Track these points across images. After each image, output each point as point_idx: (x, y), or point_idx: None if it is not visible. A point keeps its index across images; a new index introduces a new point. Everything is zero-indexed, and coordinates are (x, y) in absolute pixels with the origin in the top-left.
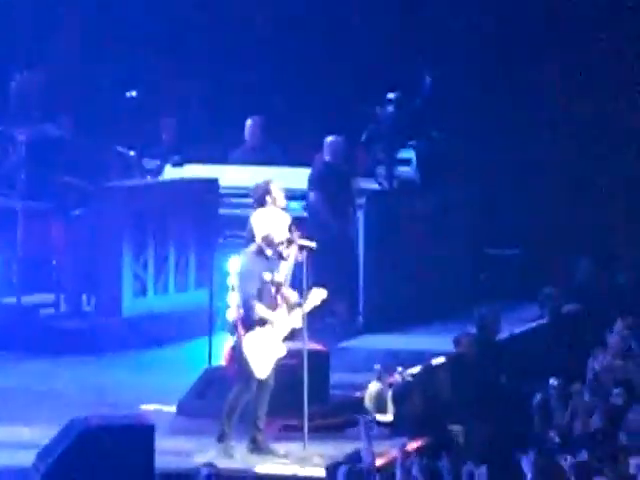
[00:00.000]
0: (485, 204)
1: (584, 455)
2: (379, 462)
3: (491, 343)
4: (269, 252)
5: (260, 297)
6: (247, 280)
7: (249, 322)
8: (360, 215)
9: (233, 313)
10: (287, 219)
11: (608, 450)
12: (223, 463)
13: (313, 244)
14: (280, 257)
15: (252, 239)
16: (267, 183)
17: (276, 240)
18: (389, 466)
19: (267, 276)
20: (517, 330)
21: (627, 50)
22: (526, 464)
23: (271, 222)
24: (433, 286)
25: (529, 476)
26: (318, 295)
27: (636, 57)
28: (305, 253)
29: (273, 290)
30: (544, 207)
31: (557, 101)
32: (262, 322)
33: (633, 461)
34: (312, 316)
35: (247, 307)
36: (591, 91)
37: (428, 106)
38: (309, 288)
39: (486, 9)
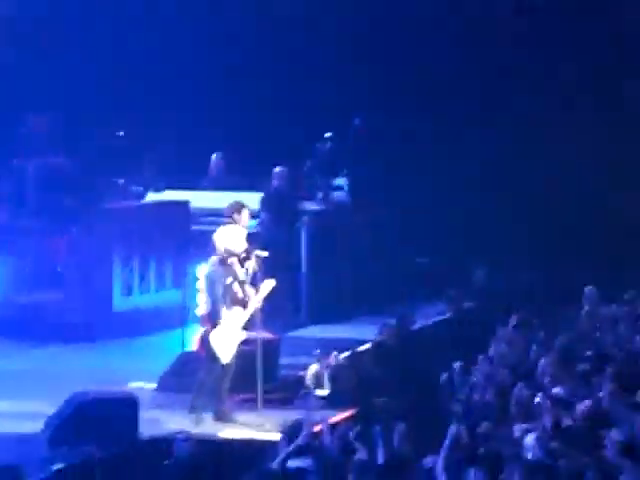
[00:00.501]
0: (403, 221)
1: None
2: (317, 428)
3: (407, 333)
4: (229, 261)
5: (225, 296)
6: (212, 284)
7: (214, 317)
8: (303, 231)
9: (201, 310)
10: (244, 234)
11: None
12: (194, 430)
13: (265, 254)
14: (241, 264)
15: (215, 251)
16: (240, 205)
17: (236, 252)
18: (330, 429)
19: (228, 280)
20: (428, 322)
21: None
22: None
23: (231, 237)
24: (362, 287)
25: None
26: (268, 285)
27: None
28: (259, 261)
29: (238, 288)
30: (450, 223)
31: (460, 135)
32: (224, 317)
33: (517, 427)
34: (265, 311)
35: (213, 306)
36: (492, 129)
37: (357, 142)
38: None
39: (406, 61)
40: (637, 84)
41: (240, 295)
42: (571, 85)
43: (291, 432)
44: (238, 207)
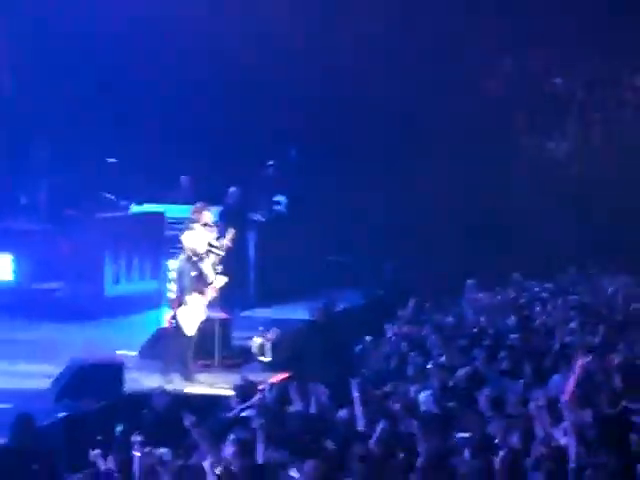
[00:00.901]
0: (328, 229)
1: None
2: (261, 386)
3: (332, 314)
4: (194, 258)
5: (189, 285)
6: (180, 275)
7: (181, 301)
8: (251, 236)
9: (172, 295)
10: (208, 235)
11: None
12: (167, 387)
13: (222, 252)
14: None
15: (183, 250)
16: (202, 206)
17: (198, 251)
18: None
19: (193, 273)
20: (347, 306)
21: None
22: (354, 388)
23: (195, 239)
24: (297, 279)
25: (356, 396)
26: (222, 280)
27: None
28: (219, 258)
29: (200, 279)
30: (365, 230)
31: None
32: (189, 301)
33: (412, 387)
34: (221, 297)
35: (181, 292)
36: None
37: (293, 169)
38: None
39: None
40: None
41: (201, 284)
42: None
43: (241, 389)
44: (199, 208)
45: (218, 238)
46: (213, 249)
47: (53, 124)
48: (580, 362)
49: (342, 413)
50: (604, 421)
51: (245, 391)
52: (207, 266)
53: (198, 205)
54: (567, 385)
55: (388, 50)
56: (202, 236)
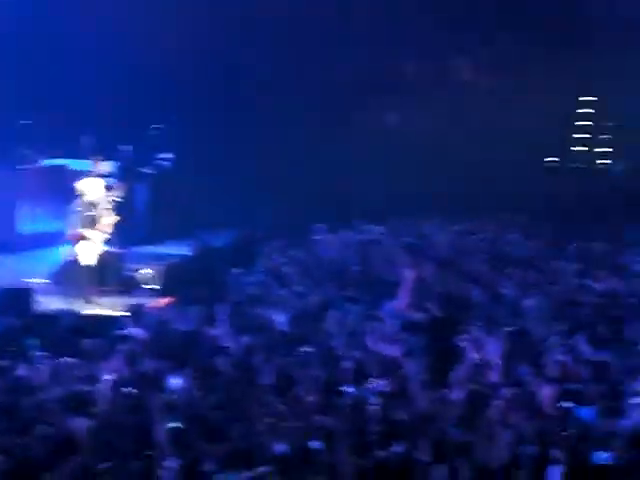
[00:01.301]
0: (201, 182)
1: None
2: (151, 308)
3: (204, 249)
4: (91, 201)
5: (87, 224)
6: (80, 217)
7: (81, 238)
8: (142, 185)
9: (72, 232)
10: (102, 183)
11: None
12: (70, 308)
13: (117, 198)
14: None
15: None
16: (98, 159)
17: (93, 199)
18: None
19: (90, 214)
20: (218, 244)
21: None
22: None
23: (89, 188)
24: (180, 220)
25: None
26: (113, 219)
27: None
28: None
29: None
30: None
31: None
32: (87, 237)
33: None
34: (115, 233)
35: (81, 230)
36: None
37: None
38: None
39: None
40: None
41: (97, 223)
42: None
43: (132, 311)
44: (95, 161)
45: (111, 187)
46: (107, 195)
47: None
48: (408, 275)
49: (211, 331)
50: (434, 323)
51: (135, 313)
52: (101, 208)
53: (94, 158)
54: (400, 295)
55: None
56: (97, 184)
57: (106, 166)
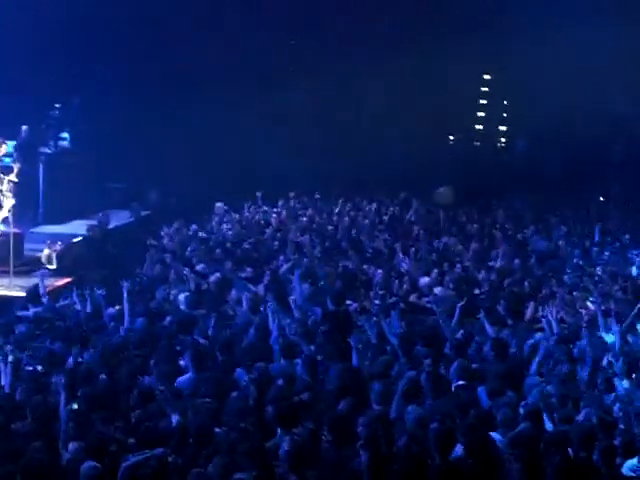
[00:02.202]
0: (104, 161)
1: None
2: (50, 289)
3: (105, 230)
4: None
5: None
6: None
7: None
8: (41, 165)
9: None
10: None
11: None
12: None
13: (16, 179)
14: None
15: None
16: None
17: None
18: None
19: None
20: (119, 223)
21: None
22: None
23: None
24: (79, 200)
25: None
26: (10, 202)
27: None
28: (11, 184)
29: None
30: (134, 161)
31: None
32: None
33: (175, 290)
34: (15, 215)
35: None
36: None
37: (76, 112)
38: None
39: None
40: None
41: None
42: None
43: (31, 291)
44: None
45: (10, 167)
46: (5, 176)
47: None
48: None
49: (111, 311)
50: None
51: (34, 293)
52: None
53: None
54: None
55: None
56: None
57: (5, 147)
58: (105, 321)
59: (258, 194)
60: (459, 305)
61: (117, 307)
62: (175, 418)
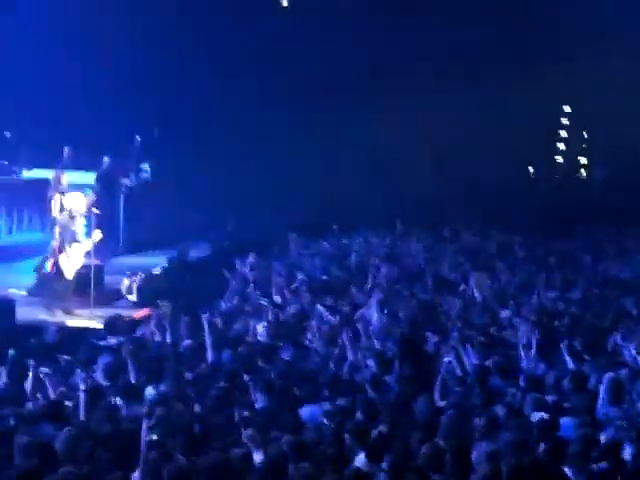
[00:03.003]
0: (184, 192)
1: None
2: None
3: (184, 262)
4: (74, 215)
5: (70, 237)
6: (62, 230)
7: (62, 250)
8: (121, 197)
9: (55, 245)
10: (81, 199)
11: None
12: (50, 319)
13: (97, 211)
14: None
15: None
16: (59, 173)
17: (78, 210)
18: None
19: (73, 227)
20: (199, 255)
21: None
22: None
23: (75, 201)
24: (157, 233)
25: (206, 330)
26: (97, 234)
27: None
28: (94, 216)
29: (76, 231)
30: (213, 195)
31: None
32: (69, 250)
33: (252, 321)
34: (95, 246)
35: (62, 243)
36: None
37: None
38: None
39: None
40: None
41: (79, 237)
42: None
43: (111, 322)
44: (57, 176)
45: (91, 198)
46: (87, 207)
47: None
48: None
49: (187, 342)
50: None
51: (113, 324)
52: (81, 221)
53: (54, 174)
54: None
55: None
56: (81, 199)
57: (87, 178)
58: (184, 352)
59: (335, 227)
60: (537, 337)
61: (190, 339)
62: (259, 456)
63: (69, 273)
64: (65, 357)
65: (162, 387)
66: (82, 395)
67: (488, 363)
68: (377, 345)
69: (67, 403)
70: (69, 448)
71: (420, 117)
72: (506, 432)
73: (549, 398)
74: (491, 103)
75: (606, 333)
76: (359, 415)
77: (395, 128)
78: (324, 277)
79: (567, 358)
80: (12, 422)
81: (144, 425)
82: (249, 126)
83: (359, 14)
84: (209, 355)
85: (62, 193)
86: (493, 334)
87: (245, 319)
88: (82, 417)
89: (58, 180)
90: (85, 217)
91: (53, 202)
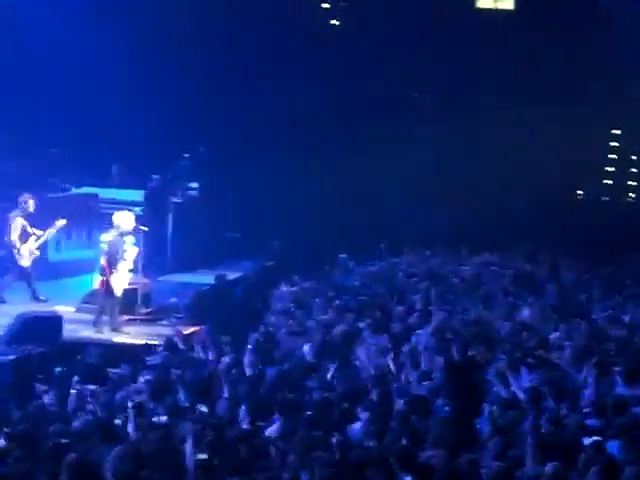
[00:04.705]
0: (229, 211)
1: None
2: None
3: (232, 280)
4: (123, 233)
5: (119, 254)
6: (112, 247)
7: (112, 267)
8: (170, 214)
9: (103, 262)
10: (129, 217)
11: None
12: (98, 337)
13: (146, 228)
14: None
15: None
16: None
17: (127, 229)
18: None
19: (122, 245)
20: (239, 274)
21: None
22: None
23: (124, 219)
24: (204, 251)
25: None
26: (135, 251)
27: None
28: (142, 233)
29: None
30: (256, 213)
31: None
32: (117, 267)
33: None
34: (143, 264)
35: (111, 260)
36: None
37: (203, 161)
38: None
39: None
40: None
41: (126, 254)
42: None
43: (168, 341)
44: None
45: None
46: (136, 224)
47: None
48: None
49: (234, 358)
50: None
51: (170, 342)
52: (130, 238)
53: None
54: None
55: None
56: (128, 215)
57: (136, 195)
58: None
59: (381, 246)
60: (589, 361)
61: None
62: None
63: (118, 290)
64: (114, 371)
65: (210, 406)
66: (131, 413)
67: (541, 386)
68: (424, 368)
69: (117, 421)
70: (119, 467)
71: (484, 143)
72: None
73: (597, 422)
74: (540, 128)
75: None
76: (404, 440)
77: (453, 149)
78: (369, 298)
79: (618, 382)
80: (61, 440)
81: (191, 444)
82: (298, 145)
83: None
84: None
85: (26, 216)
86: (542, 356)
87: (291, 338)
88: (132, 435)
89: (24, 202)
90: (134, 234)
91: (14, 224)
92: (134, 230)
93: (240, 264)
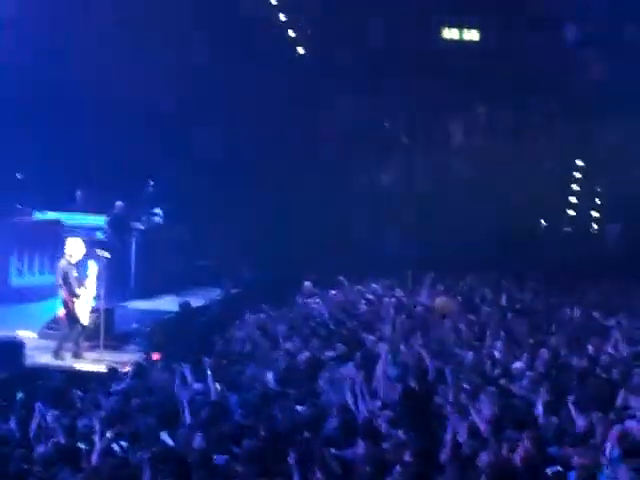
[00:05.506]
0: (194, 237)
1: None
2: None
3: (195, 308)
4: (74, 260)
5: (77, 282)
6: (66, 276)
7: (72, 295)
8: (133, 241)
9: (63, 292)
10: (79, 244)
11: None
12: (60, 363)
13: (107, 254)
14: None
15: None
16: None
17: (77, 257)
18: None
19: (74, 273)
20: (206, 302)
21: None
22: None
23: (73, 247)
24: (167, 278)
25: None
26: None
27: None
28: (104, 259)
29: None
30: (225, 240)
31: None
32: (78, 295)
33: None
34: (105, 290)
35: (70, 289)
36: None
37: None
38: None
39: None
40: None
41: (82, 281)
42: None
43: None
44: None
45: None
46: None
47: None
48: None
49: (197, 386)
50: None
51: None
52: (91, 264)
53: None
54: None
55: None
56: (80, 244)
57: (100, 220)
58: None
59: (341, 278)
60: (545, 390)
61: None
62: None
63: (83, 319)
64: (78, 394)
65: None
66: (96, 440)
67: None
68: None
69: (77, 447)
70: None
71: (451, 174)
72: None
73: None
74: (505, 157)
75: (615, 388)
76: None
77: (421, 179)
78: (334, 326)
79: (573, 412)
80: (23, 466)
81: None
82: (265, 172)
83: None
84: (214, 398)
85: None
86: (504, 386)
87: (256, 365)
88: (94, 462)
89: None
90: (95, 260)
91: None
92: (95, 257)
93: (206, 291)
